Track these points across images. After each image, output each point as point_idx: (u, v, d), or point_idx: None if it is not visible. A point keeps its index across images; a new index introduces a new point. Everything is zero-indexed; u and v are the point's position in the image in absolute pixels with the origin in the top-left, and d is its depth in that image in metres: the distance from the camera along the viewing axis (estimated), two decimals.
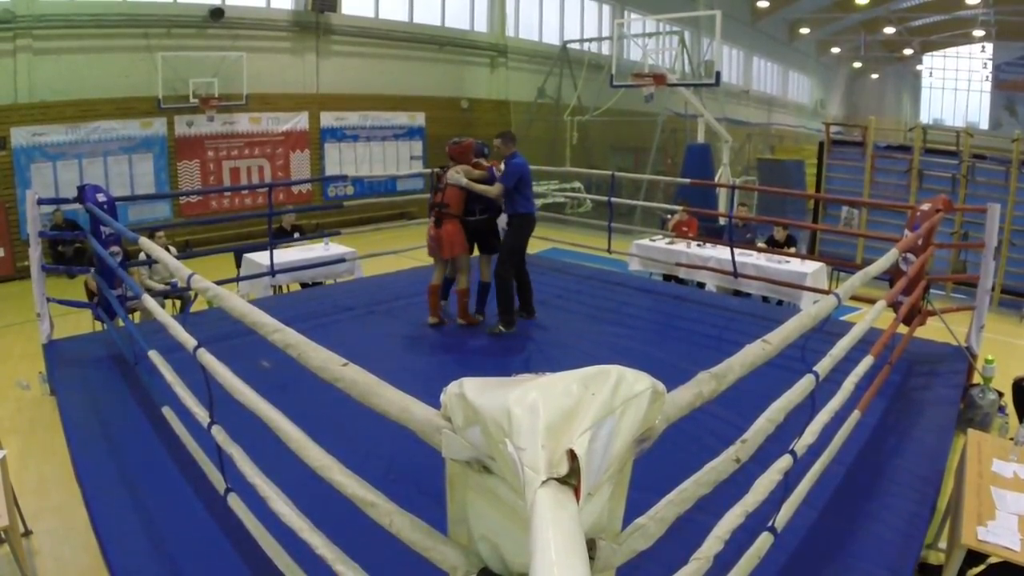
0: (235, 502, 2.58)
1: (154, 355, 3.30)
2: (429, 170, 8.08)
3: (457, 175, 5.42)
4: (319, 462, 1.81)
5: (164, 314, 3.25)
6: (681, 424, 1.55)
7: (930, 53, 25.50)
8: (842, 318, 6.81)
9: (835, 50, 27.59)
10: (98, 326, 5.86)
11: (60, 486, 3.97)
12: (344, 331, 5.72)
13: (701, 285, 7.70)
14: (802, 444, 2.40)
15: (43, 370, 5.29)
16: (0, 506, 2.90)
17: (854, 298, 4.85)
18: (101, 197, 5.26)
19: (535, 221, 5.72)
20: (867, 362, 3.12)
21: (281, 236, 7.66)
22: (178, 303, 6.93)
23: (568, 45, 17.05)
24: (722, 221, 9.06)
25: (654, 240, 8.25)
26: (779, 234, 7.77)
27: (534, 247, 7.67)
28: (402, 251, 8.09)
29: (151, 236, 5.39)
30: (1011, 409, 4.85)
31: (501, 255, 5.61)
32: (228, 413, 2.51)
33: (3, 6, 9.65)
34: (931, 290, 5.67)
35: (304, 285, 7.52)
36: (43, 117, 10.21)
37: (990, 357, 5.15)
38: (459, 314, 5.73)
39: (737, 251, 6.89)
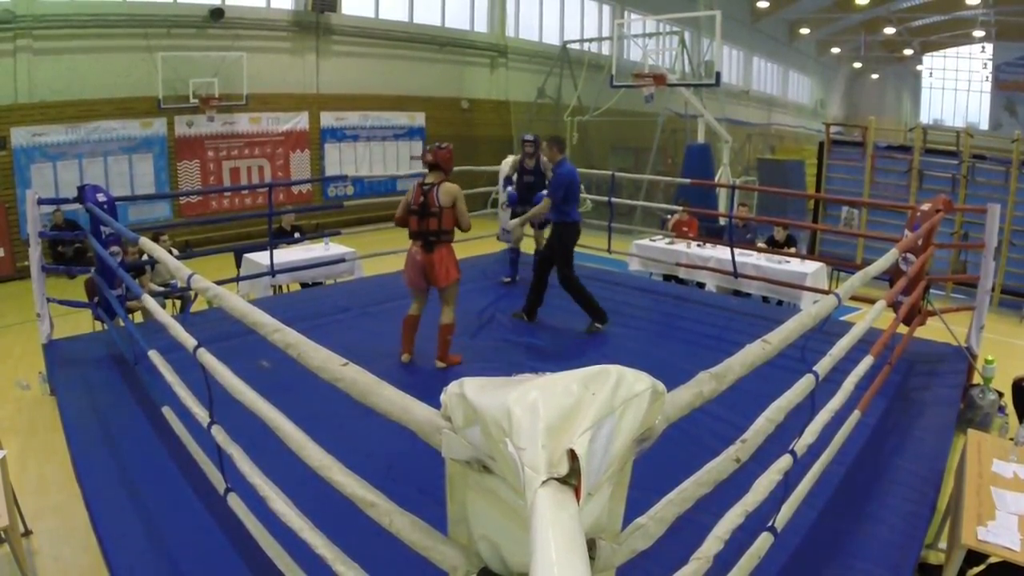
0: (235, 502, 2.58)
1: (154, 355, 3.30)
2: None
3: (516, 224, 5.55)
4: (319, 462, 1.81)
5: (164, 314, 3.25)
6: (681, 424, 1.55)
7: (930, 53, 25.51)
8: (842, 318, 6.81)
9: (835, 50, 27.59)
10: (98, 326, 5.86)
11: (60, 486, 3.97)
12: (344, 331, 5.72)
13: (701, 285, 7.70)
14: (802, 444, 2.40)
15: (43, 370, 5.29)
16: (0, 506, 2.90)
17: (854, 298, 4.85)
18: (101, 197, 5.25)
19: (578, 228, 5.72)
20: (867, 362, 3.12)
21: (281, 236, 7.66)
22: (178, 303, 6.93)
23: (568, 45, 17.04)
24: (722, 221, 9.06)
25: (654, 240, 8.25)
26: (779, 234, 7.77)
27: (533, 246, 7.69)
28: (402, 251, 8.07)
29: (156, 239, 5.38)
30: (1011, 409, 4.85)
31: (559, 266, 5.65)
32: (228, 413, 2.51)
33: (3, 6, 9.65)
34: (931, 290, 5.67)
35: (304, 285, 7.52)
36: (43, 117, 10.21)
37: (990, 357, 5.16)
38: (439, 355, 4.86)
39: (737, 251, 6.89)
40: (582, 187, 8.44)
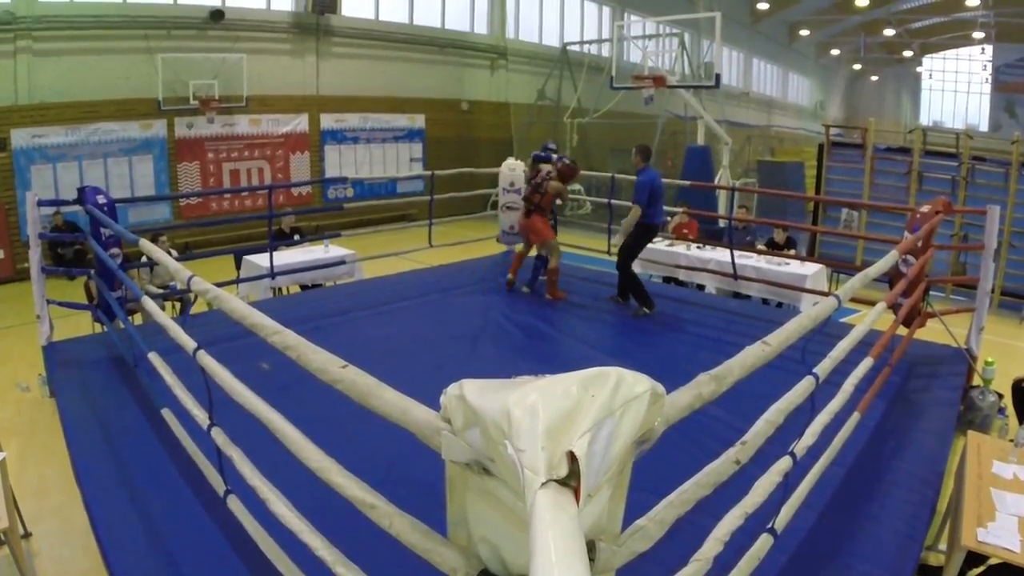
0: (235, 504, 2.57)
1: (154, 357, 3.30)
2: (430, 172, 8.10)
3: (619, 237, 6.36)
4: (319, 464, 1.81)
5: (163, 316, 3.25)
6: (681, 426, 1.55)
7: (930, 55, 25.52)
8: (842, 320, 6.80)
9: (835, 52, 27.62)
10: (98, 328, 5.86)
11: (60, 488, 3.97)
12: (344, 333, 5.71)
13: (701, 287, 7.70)
14: (802, 446, 2.40)
15: (43, 372, 5.29)
16: (0, 508, 2.90)
17: (854, 300, 4.85)
18: (101, 199, 5.25)
19: (655, 230, 6.33)
20: (867, 364, 3.12)
21: (281, 238, 7.66)
22: (178, 305, 6.93)
23: (568, 47, 17.05)
24: (722, 223, 9.05)
25: (654, 242, 8.24)
26: (779, 236, 7.77)
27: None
28: (402, 253, 8.10)
29: (155, 240, 5.35)
30: (1011, 411, 4.85)
31: (622, 253, 6.37)
32: (228, 415, 2.51)
33: (3, 7, 9.65)
34: (931, 292, 5.67)
35: (304, 287, 7.52)
36: (43, 119, 10.21)
37: (990, 359, 5.16)
38: (548, 290, 6.67)
39: (737, 253, 6.89)
40: (581, 190, 8.54)
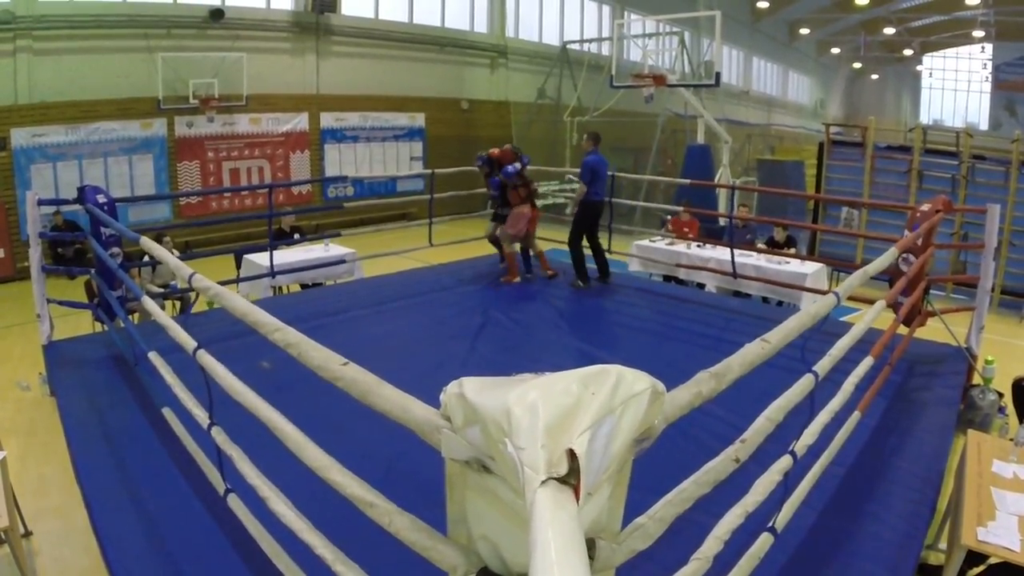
0: (235, 503, 2.57)
1: (154, 356, 3.30)
2: (430, 171, 8.10)
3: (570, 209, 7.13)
4: (318, 462, 1.81)
5: (163, 315, 3.25)
6: (681, 424, 1.55)
7: (930, 54, 25.48)
8: (842, 319, 6.80)
9: (835, 51, 27.57)
10: (98, 327, 5.86)
11: (60, 487, 3.97)
12: (344, 332, 5.71)
13: (701, 286, 7.70)
14: (802, 444, 2.40)
15: (43, 371, 5.29)
16: (0, 507, 2.90)
17: (855, 299, 4.85)
18: (101, 198, 5.25)
19: (598, 206, 6.83)
20: (867, 362, 3.12)
21: (281, 237, 7.66)
22: (178, 304, 6.93)
23: (568, 46, 17.04)
24: (722, 222, 9.04)
25: (654, 241, 8.25)
26: (779, 235, 7.77)
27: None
28: (402, 252, 8.10)
29: (158, 241, 5.33)
30: (1011, 410, 4.85)
31: (572, 228, 6.91)
32: (228, 414, 2.51)
33: (3, 7, 9.65)
34: (931, 291, 5.67)
35: (304, 286, 7.52)
36: (43, 118, 10.21)
37: (990, 358, 5.16)
38: (544, 268, 7.34)
39: (737, 252, 6.89)
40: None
